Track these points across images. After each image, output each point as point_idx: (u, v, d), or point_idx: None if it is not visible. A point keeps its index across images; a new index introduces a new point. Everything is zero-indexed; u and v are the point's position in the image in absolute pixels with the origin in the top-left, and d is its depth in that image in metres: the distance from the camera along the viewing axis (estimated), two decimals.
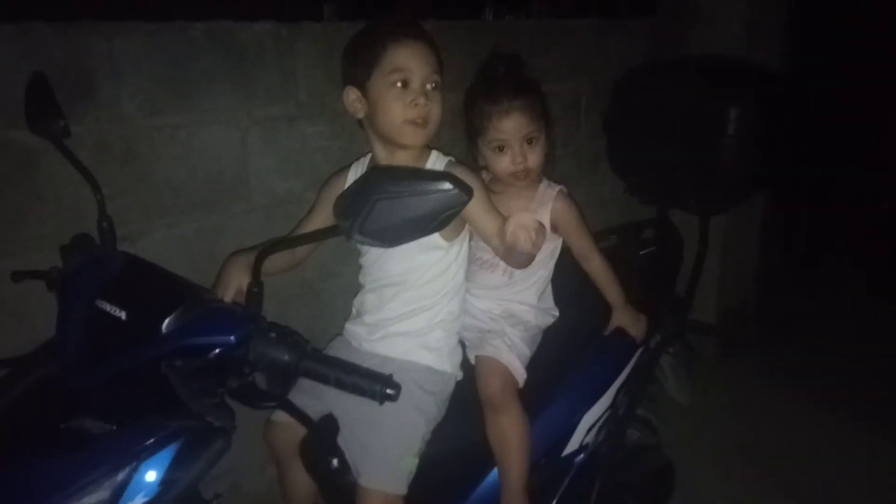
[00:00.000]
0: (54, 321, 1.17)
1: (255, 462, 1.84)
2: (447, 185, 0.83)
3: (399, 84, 1.29)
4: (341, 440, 1.36)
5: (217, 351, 0.93)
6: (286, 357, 0.93)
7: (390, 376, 0.96)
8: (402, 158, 1.35)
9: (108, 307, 0.97)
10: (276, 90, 1.79)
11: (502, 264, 1.47)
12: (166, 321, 0.94)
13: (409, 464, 1.33)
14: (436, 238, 1.33)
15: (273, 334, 0.94)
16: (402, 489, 1.32)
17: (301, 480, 1.51)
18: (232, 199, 1.77)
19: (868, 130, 4.42)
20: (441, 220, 0.85)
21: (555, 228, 1.51)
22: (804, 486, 2.28)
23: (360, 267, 1.53)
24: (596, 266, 1.53)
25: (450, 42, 2.10)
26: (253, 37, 1.73)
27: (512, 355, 1.40)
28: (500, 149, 1.45)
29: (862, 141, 4.42)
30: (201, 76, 1.67)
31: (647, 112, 1.75)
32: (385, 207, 0.83)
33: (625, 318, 1.55)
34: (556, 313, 1.56)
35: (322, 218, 1.47)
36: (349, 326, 1.53)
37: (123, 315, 0.96)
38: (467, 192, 0.84)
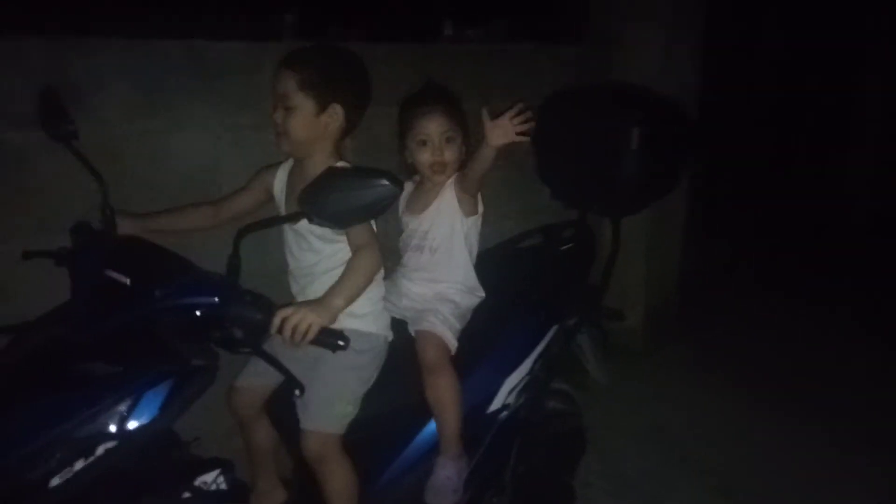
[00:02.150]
0: (36, 297, 1.39)
1: (221, 432, 2.04)
2: (384, 181, 1.10)
3: (273, 107, 1.55)
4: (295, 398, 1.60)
5: (202, 310, 1.17)
6: (258, 315, 1.17)
7: (341, 331, 1.22)
8: (316, 163, 1.55)
9: (114, 275, 1.20)
10: (245, 101, 2.03)
11: (426, 247, 1.78)
12: (162, 285, 1.18)
13: (344, 409, 1.57)
14: (333, 234, 1.55)
15: (248, 297, 1.18)
16: (338, 429, 1.56)
17: (263, 437, 1.74)
18: (204, 197, 1.95)
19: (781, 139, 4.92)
20: (380, 207, 1.12)
21: (472, 209, 1.79)
22: (710, 462, 2.58)
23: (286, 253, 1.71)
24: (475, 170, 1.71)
25: (398, 63, 2.37)
26: (224, 54, 1.97)
27: (444, 328, 1.67)
28: (423, 143, 1.74)
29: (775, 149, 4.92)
30: (177, 87, 1.90)
31: (565, 129, 2.02)
32: (338, 198, 1.10)
33: (495, 136, 1.60)
34: (482, 294, 1.83)
35: (250, 196, 1.74)
36: None
37: (127, 281, 1.19)
38: (399, 186, 1.12)
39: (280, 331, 1.19)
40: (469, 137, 1.81)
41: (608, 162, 1.91)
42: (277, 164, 1.74)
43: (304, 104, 1.52)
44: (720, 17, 3.40)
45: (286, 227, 1.64)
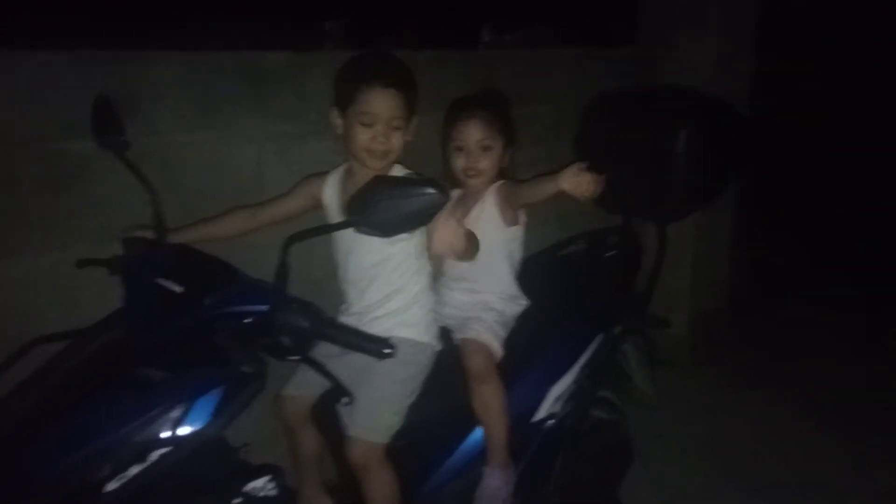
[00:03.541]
0: (95, 303, 1.43)
1: (267, 438, 2.07)
2: (431, 190, 1.10)
3: (364, 123, 1.55)
4: (340, 406, 1.61)
5: (252, 317, 1.19)
6: (305, 323, 1.19)
7: (388, 339, 1.23)
8: (368, 172, 1.58)
9: (166, 283, 1.23)
10: (290, 110, 2.06)
11: None
12: (213, 294, 1.20)
13: (391, 419, 1.58)
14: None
15: (296, 305, 1.20)
16: (381, 439, 1.57)
17: (309, 445, 1.76)
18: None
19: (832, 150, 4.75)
20: (427, 215, 1.12)
21: (513, 220, 1.79)
22: (758, 477, 2.52)
23: (336, 263, 1.74)
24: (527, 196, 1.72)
25: (445, 70, 2.38)
26: (272, 64, 2.00)
27: (489, 335, 1.67)
28: (459, 149, 1.75)
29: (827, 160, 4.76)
30: (226, 98, 1.94)
31: (611, 132, 2.00)
32: (385, 206, 1.10)
33: (567, 180, 1.57)
34: (524, 302, 1.82)
35: (294, 203, 1.77)
36: (342, 317, 1.75)
37: (179, 289, 1.22)
38: (447, 194, 1.12)
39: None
40: (513, 144, 1.80)
41: (655, 166, 1.88)
42: (325, 173, 1.76)
43: (405, 123, 1.57)
44: (774, 21, 3.32)
45: (342, 236, 1.66)
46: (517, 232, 1.82)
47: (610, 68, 2.99)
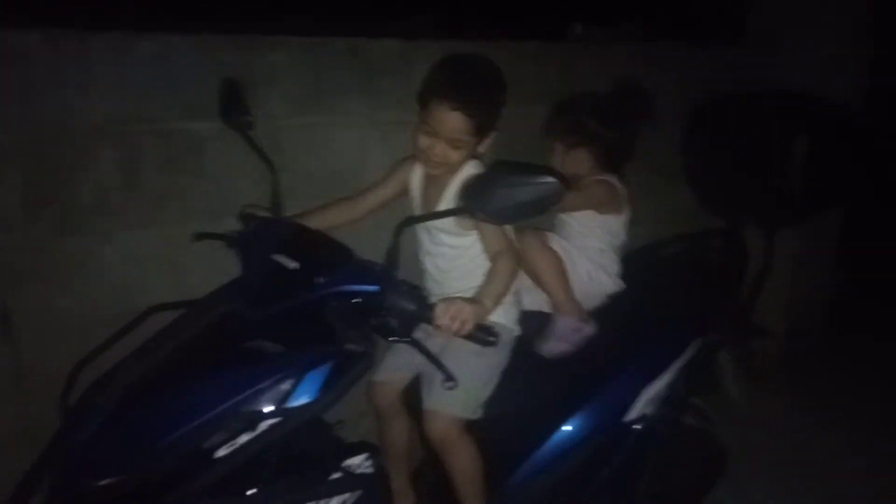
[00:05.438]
0: (214, 280, 1.49)
1: (352, 416, 2.12)
2: (550, 179, 1.09)
3: (426, 132, 1.52)
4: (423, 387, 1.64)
5: (361, 297, 1.22)
6: (412, 306, 1.20)
7: (492, 327, 1.23)
8: None
9: (282, 259, 1.28)
10: (395, 98, 2.08)
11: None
12: (326, 272, 1.23)
13: (470, 394, 1.57)
14: (458, 229, 1.59)
15: (404, 287, 1.21)
16: (460, 412, 1.57)
17: (399, 430, 1.79)
18: (350, 190, 2.00)
19: None
20: (545, 204, 1.11)
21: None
22: (848, 497, 2.40)
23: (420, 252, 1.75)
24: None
25: (545, 62, 2.36)
26: (381, 52, 2.03)
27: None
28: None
29: None
30: (336, 83, 1.98)
31: (721, 134, 1.94)
32: (503, 193, 1.10)
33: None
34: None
35: (388, 190, 1.77)
36: None
37: (295, 266, 1.26)
38: (566, 185, 1.11)
39: (438, 321, 1.22)
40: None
41: (768, 171, 1.82)
42: (412, 158, 1.75)
43: (471, 141, 1.53)
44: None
45: (419, 228, 1.67)
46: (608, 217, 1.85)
47: (716, 68, 2.87)
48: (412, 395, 1.70)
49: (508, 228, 1.60)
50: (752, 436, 2.63)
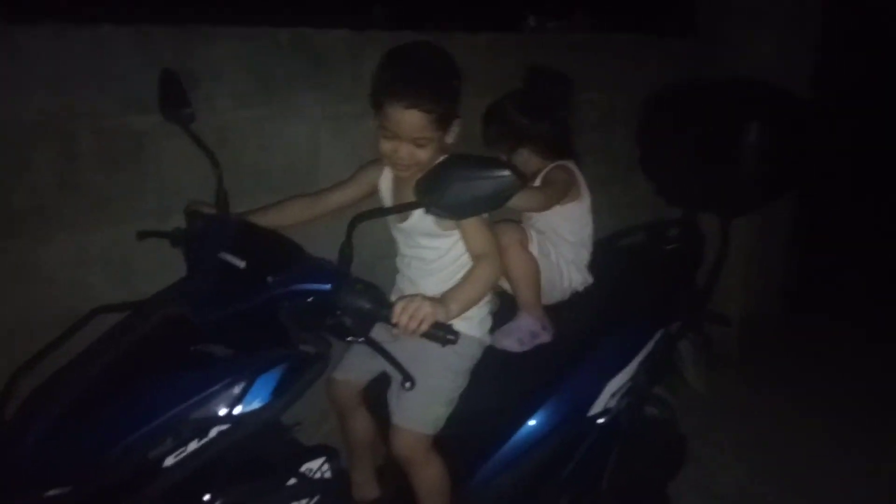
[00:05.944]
0: (162, 279, 1.43)
1: (313, 417, 2.07)
2: (506, 172, 1.06)
3: (386, 136, 1.43)
4: (390, 392, 1.60)
5: (314, 297, 1.17)
6: (368, 305, 1.16)
7: (450, 325, 1.19)
8: None
9: (230, 258, 1.21)
10: (347, 90, 2.03)
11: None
12: (277, 271, 1.18)
13: (437, 409, 1.55)
14: (438, 229, 1.53)
15: (358, 285, 1.16)
16: (428, 430, 1.54)
17: (360, 430, 1.74)
18: (303, 186, 1.95)
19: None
20: (501, 199, 1.08)
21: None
22: (805, 482, 2.44)
23: (397, 253, 1.71)
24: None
25: (499, 53, 2.33)
26: (329, 42, 1.97)
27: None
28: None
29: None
30: (284, 76, 1.91)
31: (675, 123, 1.94)
32: (458, 187, 1.06)
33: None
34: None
35: (353, 191, 1.71)
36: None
37: (243, 265, 1.20)
38: (522, 178, 1.07)
39: (396, 319, 1.17)
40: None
41: (723, 157, 1.82)
42: (382, 161, 1.71)
43: (435, 135, 1.44)
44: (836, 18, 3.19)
45: (393, 227, 1.62)
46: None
47: (666, 59, 2.90)
48: (374, 393, 1.66)
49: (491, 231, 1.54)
50: (713, 421, 2.68)
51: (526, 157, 1.90)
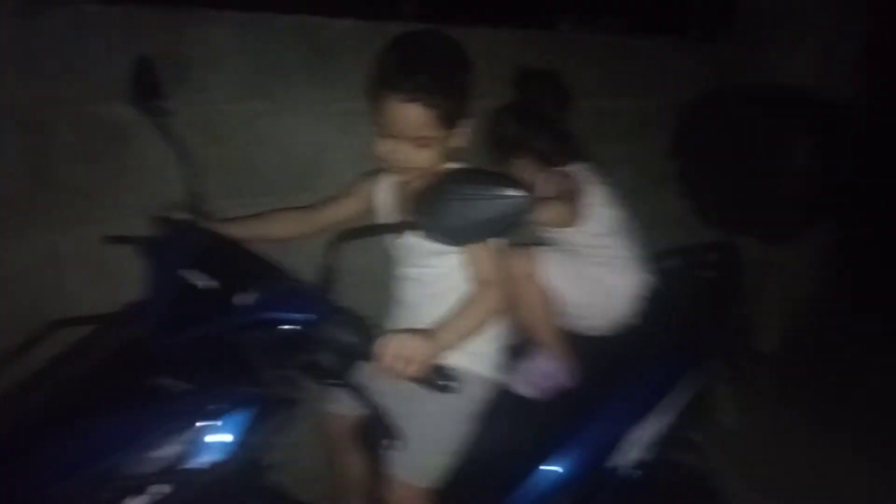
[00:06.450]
0: (129, 279, 1.26)
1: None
2: (515, 191, 0.86)
3: (382, 134, 1.26)
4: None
5: (289, 327, 0.98)
6: (353, 339, 0.97)
7: (451, 369, 1.00)
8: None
9: (192, 277, 1.03)
10: (354, 85, 1.85)
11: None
12: (245, 295, 0.99)
13: (440, 461, 1.35)
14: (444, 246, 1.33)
15: (342, 316, 0.98)
16: (429, 483, 1.35)
17: (354, 463, 1.55)
18: (302, 186, 1.82)
19: None
20: (506, 223, 0.89)
21: None
22: None
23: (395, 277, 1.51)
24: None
25: (520, 51, 2.15)
26: (335, 33, 1.80)
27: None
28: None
29: None
30: (284, 67, 1.75)
31: (718, 137, 1.74)
32: (458, 208, 0.87)
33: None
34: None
35: (351, 204, 1.52)
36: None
37: (207, 286, 1.02)
38: (534, 198, 0.88)
39: (379, 359, 0.98)
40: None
41: (768, 176, 1.62)
42: (380, 171, 1.51)
43: (440, 135, 1.25)
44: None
45: (389, 240, 1.43)
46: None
47: (702, 64, 2.70)
48: (366, 428, 1.47)
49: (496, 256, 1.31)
50: (744, 458, 2.46)
51: (524, 169, 1.70)
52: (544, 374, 1.51)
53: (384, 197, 1.45)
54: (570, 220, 1.62)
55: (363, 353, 0.98)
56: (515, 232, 0.93)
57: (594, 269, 1.64)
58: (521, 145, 1.70)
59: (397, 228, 1.00)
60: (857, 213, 3.02)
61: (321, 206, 1.55)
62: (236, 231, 1.41)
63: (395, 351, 0.98)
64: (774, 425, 2.72)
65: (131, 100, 1.33)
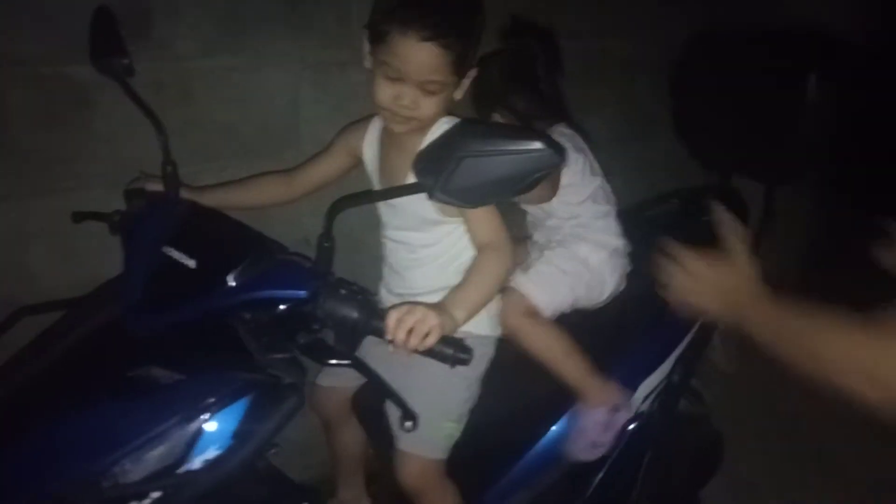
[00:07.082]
0: (111, 262, 1.17)
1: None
2: (539, 145, 0.78)
3: (389, 76, 1.13)
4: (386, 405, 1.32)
5: (286, 305, 0.91)
6: (355, 314, 0.89)
7: (462, 340, 0.93)
8: None
9: (175, 254, 0.95)
10: (331, 34, 1.73)
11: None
12: (235, 272, 0.91)
13: (449, 429, 1.31)
14: (440, 215, 1.24)
15: (343, 290, 0.90)
16: (440, 454, 1.30)
17: (349, 441, 1.51)
18: (282, 145, 1.73)
19: None
20: (529, 181, 0.80)
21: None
22: (845, 467, 2.26)
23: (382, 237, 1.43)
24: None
25: None
26: None
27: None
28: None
29: None
30: (257, 17, 1.63)
31: (718, 76, 1.66)
32: (471, 166, 0.79)
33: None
34: None
35: (334, 163, 1.42)
36: (383, 293, 1.44)
37: (192, 263, 0.93)
38: (560, 153, 0.79)
39: (391, 334, 0.91)
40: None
41: (773, 116, 1.55)
42: (365, 121, 1.40)
43: (450, 82, 1.15)
44: None
45: (382, 205, 1.32)
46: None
47: (701, 4, 2.58)
48: (364, 399, 1.41)
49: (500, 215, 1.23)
50: (740, 402, 2.46)
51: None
52: (599, 425, 1.39)
53: (374, 152, 1.35)
54: (551, 194, 1.50)
55: (367, 329, 0.90)
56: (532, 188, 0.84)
57: (576, 247, 1.54)
58: (500, 101, 1.55)
59: (403, 192, 0.90)
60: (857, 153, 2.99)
61: (306, 166, 1.45)
62: (217, 200, 1.31)
63: (410, 325, 0.91)
64: (771, 370, 2.74)
65: (91, 59, 1.20)
